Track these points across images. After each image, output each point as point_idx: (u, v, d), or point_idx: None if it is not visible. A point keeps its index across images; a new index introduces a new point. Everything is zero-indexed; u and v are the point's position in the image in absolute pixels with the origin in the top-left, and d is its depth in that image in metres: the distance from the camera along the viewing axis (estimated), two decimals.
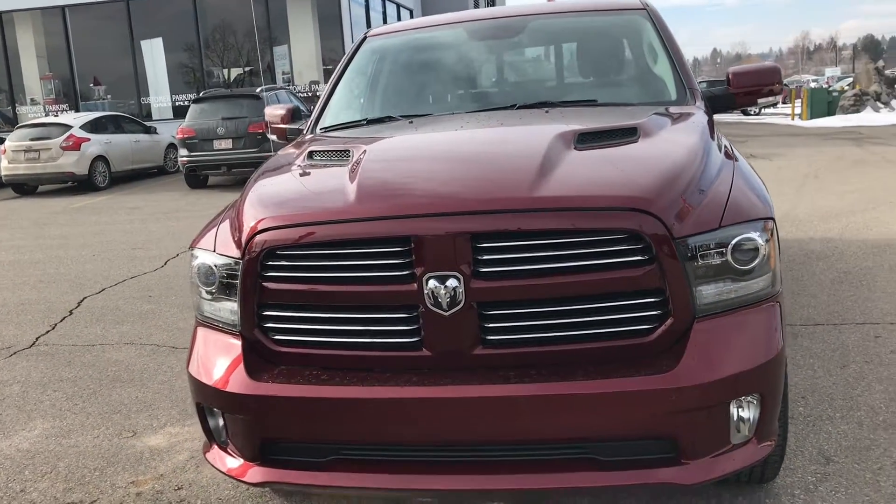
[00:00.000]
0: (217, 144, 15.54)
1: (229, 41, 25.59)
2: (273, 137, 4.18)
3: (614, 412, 2.27)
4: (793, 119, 28.42)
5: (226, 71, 25.73)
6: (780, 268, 2.53)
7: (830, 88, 33.05)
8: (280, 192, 2.82)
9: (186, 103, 23.92)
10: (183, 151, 15.84)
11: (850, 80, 38.30)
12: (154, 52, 25.04)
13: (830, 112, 27.43)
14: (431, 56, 4.35)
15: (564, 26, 4.32)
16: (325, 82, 24.72)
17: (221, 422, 2.65)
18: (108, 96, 25.78)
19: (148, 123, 20.42)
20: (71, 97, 25.92)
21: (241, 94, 16.78)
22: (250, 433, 2.52)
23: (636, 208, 2.27)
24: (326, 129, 3.90)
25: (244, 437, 2.56)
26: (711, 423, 2.33)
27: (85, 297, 6.94)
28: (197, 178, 16.21)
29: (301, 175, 2.97)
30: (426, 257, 2.29)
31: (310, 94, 24.16)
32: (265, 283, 2.47)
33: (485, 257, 2.29)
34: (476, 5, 36.92)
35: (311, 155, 3.10)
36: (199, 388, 2.64)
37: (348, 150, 2.96)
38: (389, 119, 3.78)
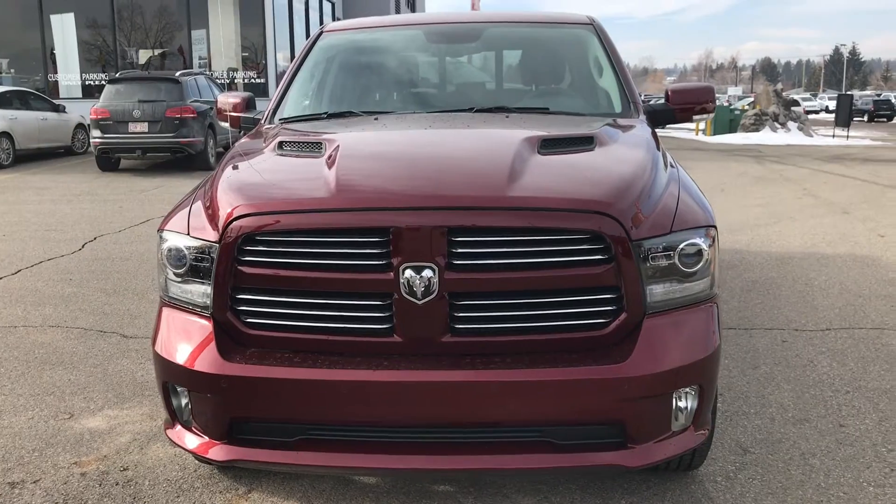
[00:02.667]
0: (132, 127, 15.10)
1: (145, 21, 24.79)
2: (224, 125, 4.18)
3: (571, 398, 2.45)
4: (697, 134, 29.59)
5: (140, 52, 24.93)
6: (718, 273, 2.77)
7: (732, 107, 34.47)
8: (257, 179, 2.88)
9: (97, 83, 23.12)
10: (96, 133, 15.30)
11: (751, 99, 40.07)
12: (65, 28, 24.03)
13: (732, 129, 28.69)
14: (390, 56, 4.44)
15: (518, 36, 4.50)
16: (244, 70, 24.47)
17: (185, 401, 2.69)
18: (12, 70, 24.60)
19: (56, 101, 19.59)
20: None
21: (159, 77, 16.39)
22: (220, 412, 2.58)
23: (599, 211, 2.46)
24: (286, 121, 3.94)
25: (213, 416, 2.61)
26: (656, 410, 2.54)
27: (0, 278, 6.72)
28: (109, 161, 15.70)
29: (275, 164, 3.04)
30: (404, 248, 2.42)
31: (228, 82, 23.68)
32: (241, 268, 2.54)
33: (459, 251, 2.43)
34: (397, 5, 36.94)
35: (281, 145, 3.16)
36: (166, 367, 2.67)
37: (321, 143, 3.04)
38: (351, 114, 3.86)
